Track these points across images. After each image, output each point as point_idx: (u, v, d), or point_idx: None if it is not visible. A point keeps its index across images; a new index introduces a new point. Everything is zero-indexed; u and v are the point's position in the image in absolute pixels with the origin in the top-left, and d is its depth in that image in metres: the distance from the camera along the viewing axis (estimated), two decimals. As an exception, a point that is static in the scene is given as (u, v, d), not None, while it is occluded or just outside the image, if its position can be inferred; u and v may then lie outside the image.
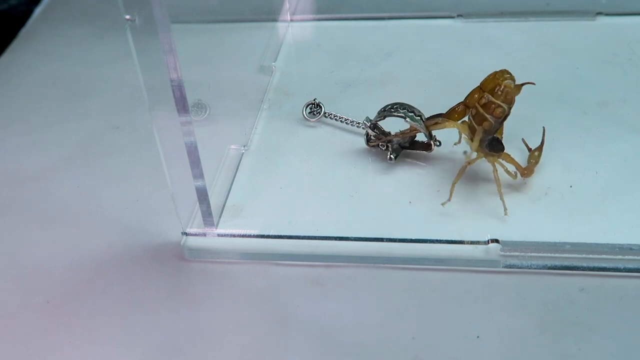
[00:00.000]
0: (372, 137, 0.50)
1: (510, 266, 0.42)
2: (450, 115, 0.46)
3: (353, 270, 0.42)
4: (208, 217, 0.43)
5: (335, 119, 0.53)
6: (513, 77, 0.43)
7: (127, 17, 0.35)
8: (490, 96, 0.43)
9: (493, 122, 0.43)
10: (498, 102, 0.43)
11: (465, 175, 0.45)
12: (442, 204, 0.44)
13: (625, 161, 0.47)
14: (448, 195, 0.44)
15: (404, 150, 0.50)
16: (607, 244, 0.41)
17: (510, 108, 0.43)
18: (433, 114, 0.48)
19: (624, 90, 0.54)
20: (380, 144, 0.49)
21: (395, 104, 0.49)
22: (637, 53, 0.58)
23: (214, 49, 0.59)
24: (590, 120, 0.51)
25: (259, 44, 0.63)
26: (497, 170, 0.44)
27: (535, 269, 0.41)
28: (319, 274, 0.42)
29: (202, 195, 0.42)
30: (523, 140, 0.47)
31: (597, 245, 0.41)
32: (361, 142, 0.50)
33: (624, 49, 0.58)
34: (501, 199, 0.43)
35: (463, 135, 0.46)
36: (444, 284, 0.41)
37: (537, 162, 0.46)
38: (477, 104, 0.44)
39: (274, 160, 0.50)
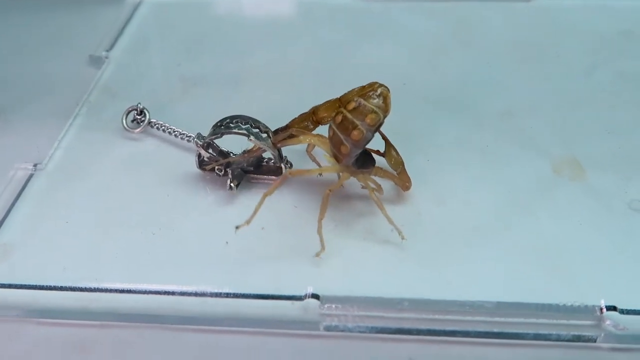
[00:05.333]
0: (205, 160, 0.40)
1: (331, 328, 0.33)
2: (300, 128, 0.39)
3: (133, 332, 0.33)
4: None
5: (163, 130, 0.44)
6: (386, 87, 0.36)
7: None
8: (363, 100, 0.35)
9: (365, 131, 0.35)
10: (372, 106, 0.35)
11: (295, 205, 0.37)
12: (317, 255, 0.35)
13: (510, 193, 0.39)
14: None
15: (248, 176, 0.41)
16: (455, 301, 0.33)
17: (385, 116, 0.36)
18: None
19: (535, 99, 0.45)
20: (216, 168, 0.40)
21: (235, 116, 0.40)
22: (566, 47, 0.50)
23: (31, 35, 0.49)
24: (485, 136, 0.43)
25: (97, 28, 0.53)
26: (373, 190, 0.36)
27: (360, 332, 0.33)
28: (89, 336, 0.33)
29: None
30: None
31: (442, 302, 0.33)
32: (191, 161, 0.41)
33: (554, 40, 0.50)
34: (390, 222, 0.36)
35: (324, 154, 0.38)
36: (248, 352, 0.33)
37: (403, 164, 0.38)
38: (344, 110, 0.35)
39: (71, 184, 0.41)
